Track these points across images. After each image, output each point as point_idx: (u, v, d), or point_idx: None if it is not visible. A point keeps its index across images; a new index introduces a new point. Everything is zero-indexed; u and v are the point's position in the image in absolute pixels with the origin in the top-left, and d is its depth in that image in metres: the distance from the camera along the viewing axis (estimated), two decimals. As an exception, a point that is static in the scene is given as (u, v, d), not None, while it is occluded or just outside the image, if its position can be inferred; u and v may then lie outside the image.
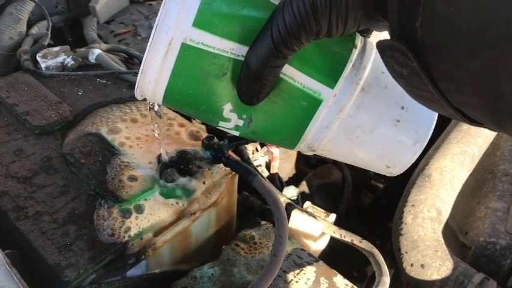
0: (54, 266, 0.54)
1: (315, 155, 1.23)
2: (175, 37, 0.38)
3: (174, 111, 0.76)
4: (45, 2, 1.05)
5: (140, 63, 0.93)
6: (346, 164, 1.18)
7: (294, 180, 1.18)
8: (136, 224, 0.59)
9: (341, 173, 1.18)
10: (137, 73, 0.87)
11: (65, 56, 0.87)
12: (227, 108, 0.43)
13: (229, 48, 0.40)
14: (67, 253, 0.56)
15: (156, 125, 0.57)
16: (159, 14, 0.38)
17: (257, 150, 0.93)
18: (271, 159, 0.91)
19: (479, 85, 0.27)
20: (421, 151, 0.46)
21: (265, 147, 0.93)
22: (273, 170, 0.92)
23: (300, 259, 0.64)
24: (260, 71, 0.39)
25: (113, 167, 0.65)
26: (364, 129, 0.45)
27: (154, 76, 0.41)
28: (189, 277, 0.63)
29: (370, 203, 1.22)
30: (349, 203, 1.17)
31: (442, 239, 0.75)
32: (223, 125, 0.46)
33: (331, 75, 0.42)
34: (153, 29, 0.39)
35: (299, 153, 1.21)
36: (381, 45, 0.32)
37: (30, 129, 0.73)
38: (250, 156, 0.89)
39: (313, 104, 0.43)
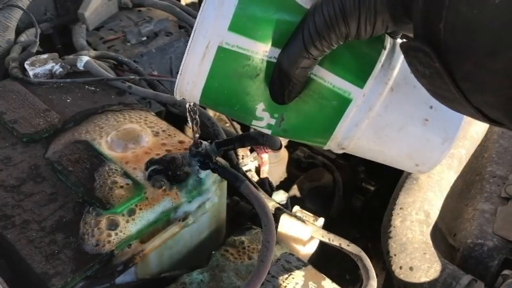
0: (42, 274, 0.54)
1: (305, 158, 1.22)
2: (212, 40, 0.41)
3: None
4: (34, 9, 1.04)
5: (129, 69, 0.94)
6: (336, 167, 1.19)
7: (285, 184, 1.18)
8: (124, 231, 0.59)
9: (332, 176, 1.19)
10: (125, 80, 0.87)
11: (53, 64, 0.87)
12: (260, 108, 0.45)
13: (262, 51, 0.42)
14: (54, 261, 0.56)
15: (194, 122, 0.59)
16: (197, 19, 0.41)
17: (247, 155, 0.93)
18: (261, 164, 0.91)
19: (499, 85, 0.28)
20: (450, 150, 0.47)
21: (254, 152, 0.93)
22: (263, 175, 0.92)
23: (289, 264, 0.64)
24: (291, 72, 0.41)
25: (101, 174, 0.65)
26: (393, 127, 0.46)
27: (192, 78, 0.43)
28: (178, 283, 0.63)
29: (361, 205, 1.22)
30: (340, 206, 1.17)
31: (430, 242, 0.76)
32: (256, 124, 0.47)
33: (360, 76, 0.44)
34: (192, 33, 0.41)
35: (290, 157, 1.21)
36: (405, 46, 0.33)
37: (18, 137, 0.73)
38: (240, 161, 0.89)
39: (343, 103, 0.44)
